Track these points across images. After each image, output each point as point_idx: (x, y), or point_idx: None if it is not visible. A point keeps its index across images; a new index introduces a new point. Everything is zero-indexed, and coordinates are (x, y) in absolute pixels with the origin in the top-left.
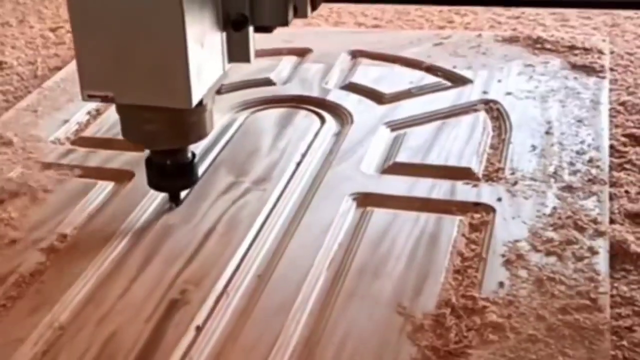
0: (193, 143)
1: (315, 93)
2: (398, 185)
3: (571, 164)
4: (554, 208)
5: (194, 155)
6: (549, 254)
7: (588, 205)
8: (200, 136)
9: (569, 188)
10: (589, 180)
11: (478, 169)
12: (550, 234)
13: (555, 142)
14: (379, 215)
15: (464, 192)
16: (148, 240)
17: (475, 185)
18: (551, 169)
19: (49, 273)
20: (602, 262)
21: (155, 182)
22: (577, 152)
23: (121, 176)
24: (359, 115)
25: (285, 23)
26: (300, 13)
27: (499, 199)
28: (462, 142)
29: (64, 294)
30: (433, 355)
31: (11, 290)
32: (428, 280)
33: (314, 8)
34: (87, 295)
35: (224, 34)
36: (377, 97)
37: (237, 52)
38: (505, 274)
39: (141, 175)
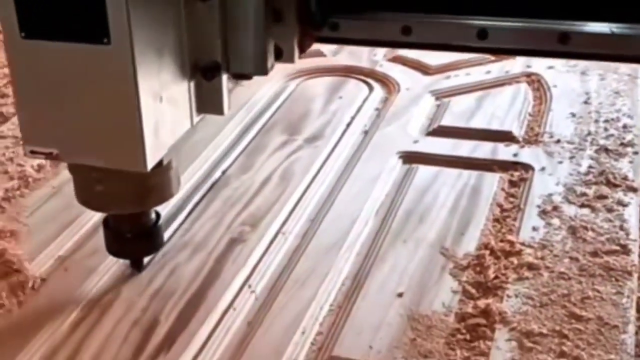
0: (152, 207)
1: (364, 64)
2: (442, 146)
3: (606, 129)
4: (589, 167)
5: (158, 216)
6: (582, 206)
7: (620, 165)
8: (163, 199)
9: (603, 150)
10: (622, 143)
11: (519, 132)
12: (584, 189)
13: (592, 111)
14: (424, 171)
15: (504, 152)
16: (208, 186)
17: (515, 147)
18: (587, 134)
19: None
20: (632, 213)
21: (112, 248)
22: (613, 120)
23: None
24: (406, 85)
25: (263, 71)
26: (285, 57)
27: (537, 159)
28: (504, 110)
29: None
30: (472, 289)
31: None
32: (469, 226)
33: (302, 51)
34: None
35: (192, 83)
36: (423, 68)
37: (209, 102)
38: (541, 223)
39: None
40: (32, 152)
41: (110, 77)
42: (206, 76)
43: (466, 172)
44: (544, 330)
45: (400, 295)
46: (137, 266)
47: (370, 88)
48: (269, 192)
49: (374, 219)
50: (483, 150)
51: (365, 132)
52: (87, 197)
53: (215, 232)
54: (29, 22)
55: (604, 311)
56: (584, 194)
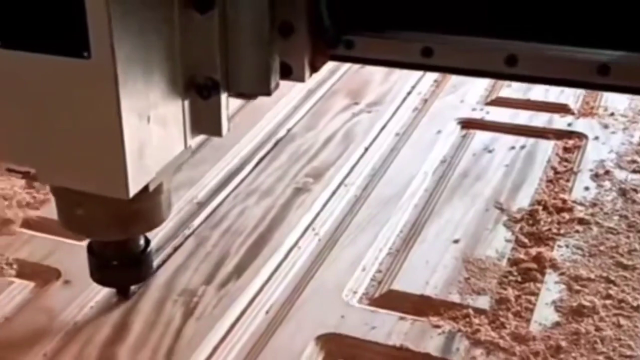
0: (138, 235)
1: None
2: (500, 115)
3: None
4: None
5: (147, 242)
6: (633, 172)
7: None
8: (150, 226)
9: None
10: None
11: (574, 105)
12: (636, 157)
13: None
14: (481, 136)
15: (560, 122)
16: (273, 143)
17: (570, 118)
18: None
19: None
20: None
21: (96, 276)
22: None
23: None
24: None
25: (266, 92)
26: (295, 76)
27: (592, 129)
28: None
29: None
30: (525, 239)
31: None
32: (524, 185)
33: (313, 69)
34: (228, 174)
35: (187, 101)
36: None
37: (205, 122)
38: (593, 184)
39: None
40: (9, 169)
41: (90, 93)
42: (202, 94)
43: (522, 139)
44: (592, 276)
45: (456, 241)
46: (124, 294)
47: None
48: (331, 149)
49: (432, 177)
50: (539, 119)
51: (425, 101)
52: (67, 221)
53: (280, 182)
54: (4, 31)
55: None
56: (634, 161)
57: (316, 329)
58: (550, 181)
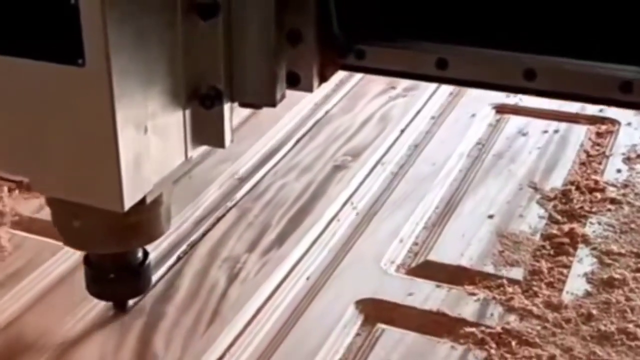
0: (136, 248)
1: None
2: (533, 100)
3: None
4: None
5: (145, 254)
6: None
7: None
8: (148, 239)
9: None
10: None
11: None
12: None
13: None
14: (515, 120)
15: (592, 108)
16: (312, 123)
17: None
18: None
19: None
20: None
21: (93, 289)
22: None
23: None
24: None
25: (272, 102)
26: (303, 85)
27: (624, 115)
28: None
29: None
30: (558, 215)
31: None
32: (557, 167)
33: (323, 79)
34: (268, 151)
35: (188, 111)
36: None
37: (208, 133)
38: (625, 167)
39: None
40: (1, 178)
41: (85, 102)
42: (205, 104)
43: (555, 123)
44: (623, 251)
45: (490, 217)
46: (121, 308)
47: None
48: (368, 131)
49: (467, 158)
50: (572, 106)
51: (459, 87)
52: (64, 233)
53: (319, 159)
54: None
55: None
56: None
57: (355, 295)
58: (582, 163)
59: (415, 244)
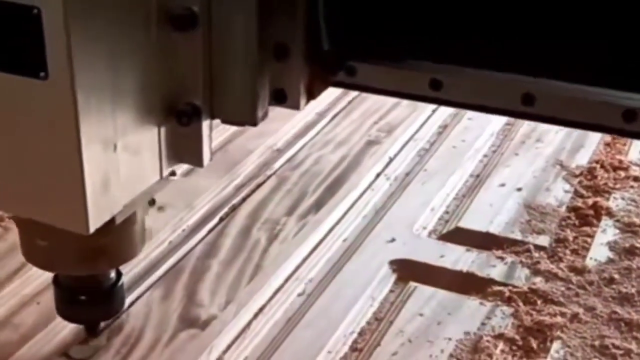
0: (107, 270)
1: None
2: None
3: None
4: None
5: (119, 275)
6: None
7: None
8: (119, 261)
9: None
10: None
11: None
12: None
13: None
14: None
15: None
16: (346, 103)
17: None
18: None
19: None
20: None
21: (64, 311)
22: None
23: None
24: None
25: (251, 121)
26: (289, 102)
27: None
28: None
29: None
30: (582, 189)
31: None
32: (583, 147)
33: (311, 96)
34: (305, 126)
35: (164, 128)
36: None
37: (185, 150)
38: None
39: None
40: None
41: (48, 117)
42: (181, 121)
43: None
44: None
45: (518, 189)
46: (92, 331)
47: None
48: (400, 110)
49: (496, 137)
50: None
51: None
52: (30, 253)
53: (354, 134)
54: None
55: None
56: None
57: (389, 256)
58: (607, 144)
59: (446, 212)
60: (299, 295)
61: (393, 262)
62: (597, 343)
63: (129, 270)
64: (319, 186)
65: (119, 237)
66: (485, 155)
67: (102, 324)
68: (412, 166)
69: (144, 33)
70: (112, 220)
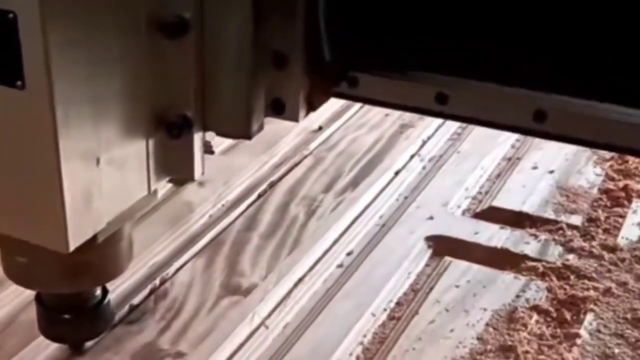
0: (90, 288)
1: None
2: None
3: None
4: None
5: (105, 291)
6: None
7: None
8: (104, 278)
9: None
10: None
11: None
12: None
13: None
14: None
15: None
16: None
17: None
18: None
19: None
20: None
21: (46, 331)
22: None
23: None
24: None
25: (246, 134)
26: (288, 114)
27: None
28: None
29: None
30: (613, 173)
31: None
32: None
33: (311, 108)
34: (339, 109)
35: (152, 140)
36: None
37: (175, 164)
38: None
39: None
40: None
41: (25, 129)
42: (171, 133)
43: None
44: None
45: (551, 172)
46: (77, 350)
47: None
48: None
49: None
50: None
51: None
52: (10, 269)
53: (388, 118)
54: None
55: None
56: None
57: (424, 232)
58: None
59: (480, 192)
60: (338, 266)
61: (429, 238)
62: (629, 316)
63: (170, 243)
64: (354, 166)
65: (104, 254)
66: (517, 139)
67: (148, 289)
68: (446, 149)
69: (130, 40)
70: (95, 237)
